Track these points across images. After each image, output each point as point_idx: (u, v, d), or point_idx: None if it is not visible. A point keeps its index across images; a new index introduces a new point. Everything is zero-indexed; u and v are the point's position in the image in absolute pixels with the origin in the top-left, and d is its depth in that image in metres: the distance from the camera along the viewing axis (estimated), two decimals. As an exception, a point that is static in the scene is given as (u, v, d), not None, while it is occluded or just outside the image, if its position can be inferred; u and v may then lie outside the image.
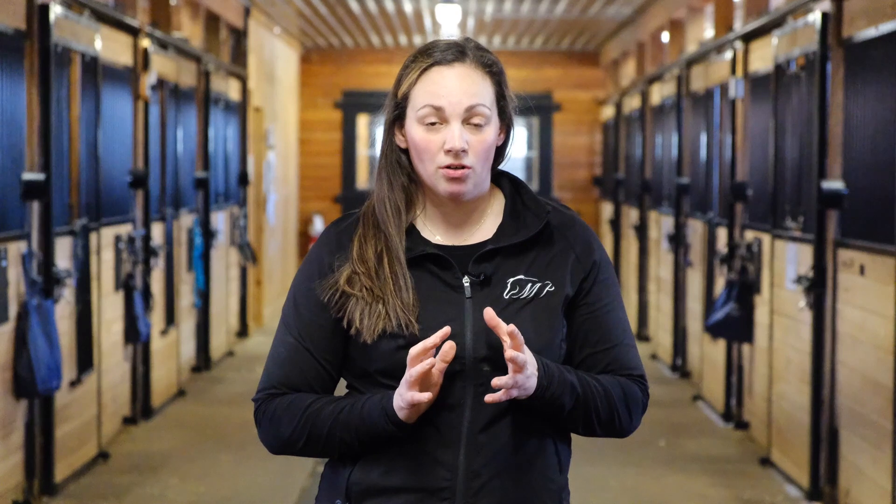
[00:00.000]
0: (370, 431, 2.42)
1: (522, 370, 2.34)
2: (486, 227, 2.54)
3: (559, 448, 2.52)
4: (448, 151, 2.45)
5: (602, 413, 2.47)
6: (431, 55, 2.49)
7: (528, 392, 2.38)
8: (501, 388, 2.34)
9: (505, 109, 2.53)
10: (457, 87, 2.46)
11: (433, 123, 2.46)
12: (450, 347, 2.35)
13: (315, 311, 2.50)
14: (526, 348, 2.37)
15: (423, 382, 2.36)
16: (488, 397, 2.34)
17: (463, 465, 2.43)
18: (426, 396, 2.35)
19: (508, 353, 2.32)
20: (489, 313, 2.35)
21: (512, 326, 2.33)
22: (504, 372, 2.40)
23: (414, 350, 2.35)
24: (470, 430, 2.43)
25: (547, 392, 2.40)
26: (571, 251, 2.53)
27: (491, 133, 2.49)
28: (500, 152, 2.56)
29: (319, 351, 2.50)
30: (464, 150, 2.45)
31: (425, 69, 2.49)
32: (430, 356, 2.35)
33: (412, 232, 2.52)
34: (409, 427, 2.41)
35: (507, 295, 2.47)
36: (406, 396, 2.36)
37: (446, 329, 2.37)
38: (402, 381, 2.37)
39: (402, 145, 2.53)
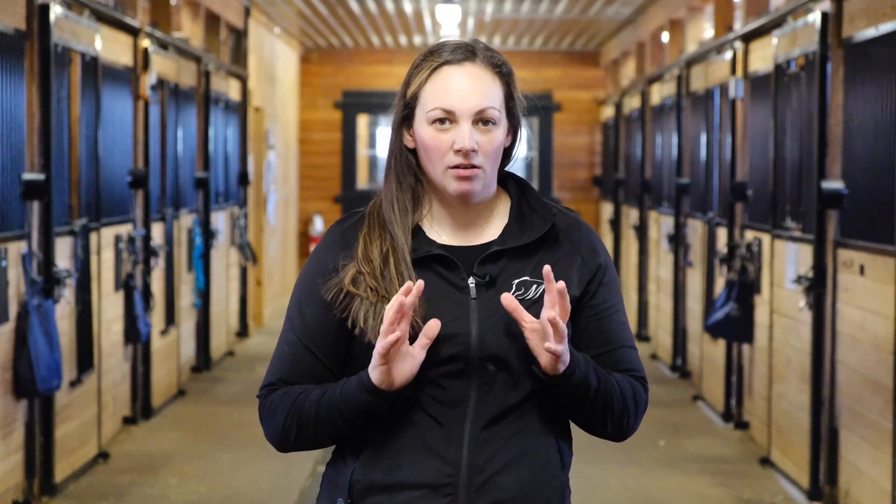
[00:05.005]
0: (349, 405, 2.42)
1: (561, 337, 2.35)
2: (492, 229, 2.55)
3: (561, 445, 2.53)
4: (457, 151, 2.45)
5: (616, 407, 2.49)
6: (441, 55, 2.49)
7: (563, 365, 2.39)
8: (553, 352, 2.35)
9: (513, 111, 2.53)
10: (467, 87, 2.47)
11: (443, 123, 2.47)
12: (435, 324, 2.38)
13: (318, 309, 2.50)
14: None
15: (397, 350, 2.37)
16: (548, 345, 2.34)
17: (466, 461, 2.44)
18: (393, 337, 2.34)
19: (550, 314, 2.34)
20: (507, 298, 2.38)
21: (558, 285, 2.36)
22: (508, 372, 2.44)
23: (389, 306, 2.35)
24: (473, 427, 2.44)
25: (577, 370, 2.41)
26: (577, 254, 2.53)
27: (500, 134, 2.49)
28: (506, 154, 2.57)
29: (321, 349, 2.51)
30: (473, 151, 2.45)
31: (435, 69, 2.49)
32: (403, 317, 2.35)
33: (418, 232, 2.53)
34: (387, 396, 2.40)
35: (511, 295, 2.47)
36: (379, 345, 2.35)
37: (434, 322, 2.39)
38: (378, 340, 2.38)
39: (411, 146, 2.53)
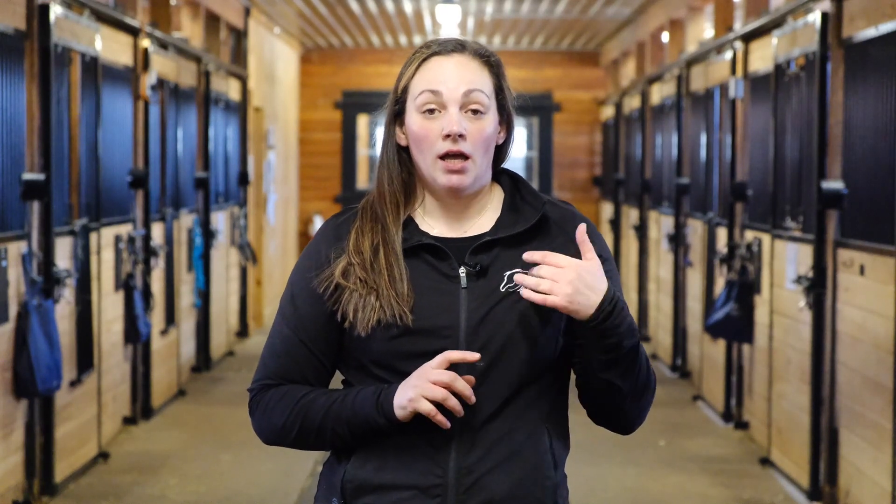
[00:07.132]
0: (361, 423, 2.42)
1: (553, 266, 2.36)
2: (484, 221, 2.53)
3: (553, 444, 2.49)
4: (446, 137, 2.44)
5: (641, 376, 2.44)
6: (430, 47, 2.51)
7: (581, 305, 2.36)
8: (527, 286, 2.36)
9: (504, 105, 2.52)
10: (455, 73, 2.47)
11: (432, 112, 2.46)
12: (469, 393, 2.37)
13: (311, 303, 2.50)
14: (591, 259, 2.39)
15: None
16: (524, 292, 2.37)
17: (455, 461, 2.42)
18: (432, 411, 2.37)
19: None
20: (528, 255, 2.38)
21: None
22: (498, 366, 2.42)
23: (445, 375, 2.36)
24: (462, 427, 2.42)
25: (609, 319, 2.37)
26: (572, 245, 2.49)
27: (490, 123, 2.48)
28: (500, 151, 2.55)
29: (315, 343, 2.50)
30: (461, 136, 2.44)
31: (424, 60, 2.50)
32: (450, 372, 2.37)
33: (410, 224, 2.52)
34: (400, 423, 2.40)
35: (503, 287, 2.45)
36: (417, 404, 2.36)
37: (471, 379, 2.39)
38: (415, 387, 2.37)
39: (402, 142, 2.53)
